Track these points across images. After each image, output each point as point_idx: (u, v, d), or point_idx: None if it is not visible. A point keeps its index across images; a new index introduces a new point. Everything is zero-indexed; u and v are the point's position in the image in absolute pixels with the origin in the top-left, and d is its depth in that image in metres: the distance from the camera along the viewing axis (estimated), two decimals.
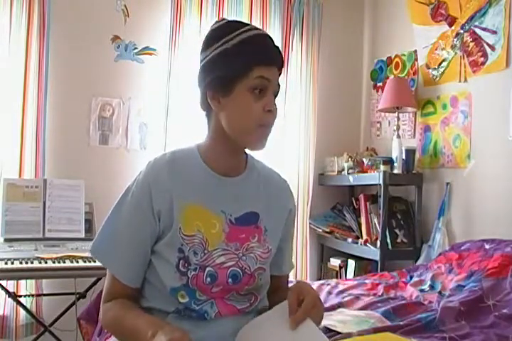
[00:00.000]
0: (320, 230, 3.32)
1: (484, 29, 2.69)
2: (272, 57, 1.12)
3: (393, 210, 3.02)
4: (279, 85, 1.15)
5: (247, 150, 1.22)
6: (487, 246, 2.33)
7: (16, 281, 2.63)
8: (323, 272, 3.45)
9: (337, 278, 3.18)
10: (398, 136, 3.00)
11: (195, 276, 1.10)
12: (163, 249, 1.12)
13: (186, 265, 1.10)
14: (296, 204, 1.33)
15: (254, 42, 1.11)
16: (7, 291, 2.47)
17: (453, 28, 2.88)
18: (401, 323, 1.74)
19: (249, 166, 1.23)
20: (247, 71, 1.09)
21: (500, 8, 2.60)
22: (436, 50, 3.00)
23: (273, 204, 1.23)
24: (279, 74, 1.15)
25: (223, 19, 1.18)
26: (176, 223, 1.11)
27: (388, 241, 2.89)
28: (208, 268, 1.11)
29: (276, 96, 1.15)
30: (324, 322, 1.71)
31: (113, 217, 1.15)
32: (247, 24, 1.15)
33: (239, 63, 1.09)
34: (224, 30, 1.13)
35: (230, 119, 1.12)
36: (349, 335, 1.56)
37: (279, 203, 1.25)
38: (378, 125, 3.48)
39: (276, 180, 1.29)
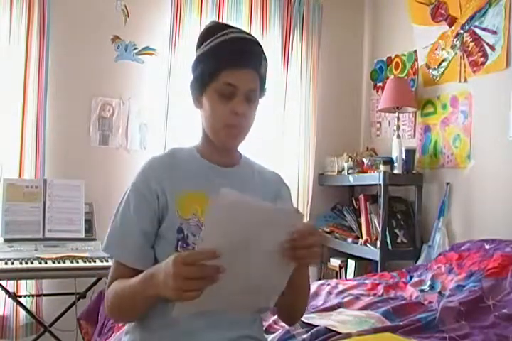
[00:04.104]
0: (320, 230, 3.32)
1: (484, 29, 2.69)
2: (240, 61, 1.13)
3: (393, 210, 3.02)
4: (255, 88, 1.16)
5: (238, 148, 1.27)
6: (487, 246, 2.33)
7: (15, 281, 2.62)
8: (323, 272, 3.45)
9: (337, 278, 3.17)
10: (398, 136, 3.00)
11: None
12: (164, 231, 1.14)
13: (185, 246, 1.12)
14: (291, 194, 1.34)
15: (226, 46, 1.15)
16: (7, 291, 2.47)
17: (453, 28, 2.88)
18: (401, 323, 1.74)
19: (242, 161, 1.28)
20: (215, 75, 1.13)
21: (500, 8, 2.60)
22: (436, 50, 3.00)
23: (268, 194, 1.25)
24: (261, 75, 1.17)
25: (214, 21, 1.25)
26: (172, 206, 1.14)
27: (388, 241, 2.89)
28: None
29: (252, 98, 1.16)
30: (324, 322, 1.71)
31: (119, 212, 1.16)
32: (231, 27, 1.19)
33: (209, 67, 1.15)
34: (208, 32, 1.20)
35: (204, 117, 1.20)
36: (349, 335, 1.56)
37: (273, 192, 1.28)
38: (378, 125, 3.48)
39: (269, 173, 1.33)
